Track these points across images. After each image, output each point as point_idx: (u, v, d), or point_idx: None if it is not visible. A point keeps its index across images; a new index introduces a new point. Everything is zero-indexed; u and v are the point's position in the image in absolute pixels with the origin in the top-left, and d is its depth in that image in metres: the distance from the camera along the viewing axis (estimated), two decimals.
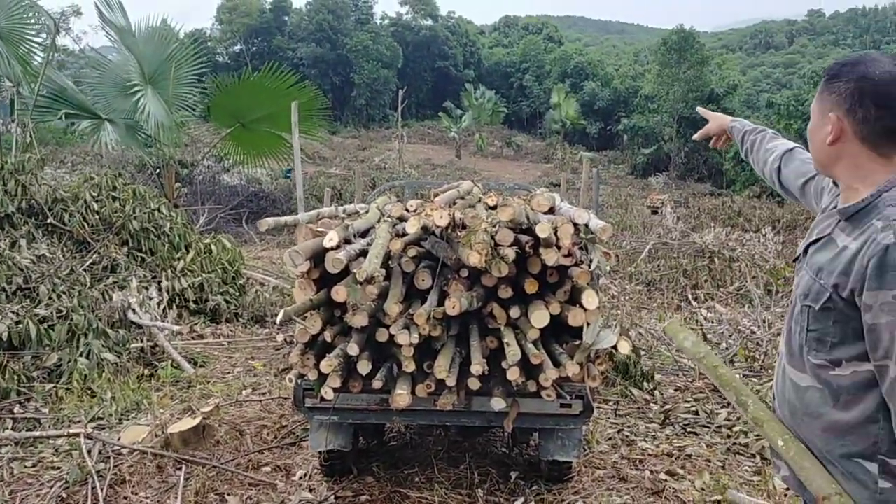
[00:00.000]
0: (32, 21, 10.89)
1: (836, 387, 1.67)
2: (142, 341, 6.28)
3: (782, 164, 2.20)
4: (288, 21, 62.67)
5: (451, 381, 3.37)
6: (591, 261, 3.53)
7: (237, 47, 61.39)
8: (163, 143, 12.35)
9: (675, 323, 2.16)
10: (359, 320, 3.33)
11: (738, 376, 1.99)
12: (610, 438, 4.80)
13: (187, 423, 4.51)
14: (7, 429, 4.75)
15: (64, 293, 6.31)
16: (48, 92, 11.16)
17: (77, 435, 4.36)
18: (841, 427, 1.66)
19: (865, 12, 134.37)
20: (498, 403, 3.47)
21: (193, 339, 7.08)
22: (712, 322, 7.97)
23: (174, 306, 7.41)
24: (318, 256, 3.43)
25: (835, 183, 1.82)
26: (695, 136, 2.65)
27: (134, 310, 6.46)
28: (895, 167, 1.64)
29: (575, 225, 3.49)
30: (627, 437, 4.86)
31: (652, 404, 5.49)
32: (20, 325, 5.60)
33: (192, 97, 13.20)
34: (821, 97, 1.73)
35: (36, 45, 10.96)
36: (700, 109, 2.76)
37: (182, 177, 15.52)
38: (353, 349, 3.39)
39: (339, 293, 3.29)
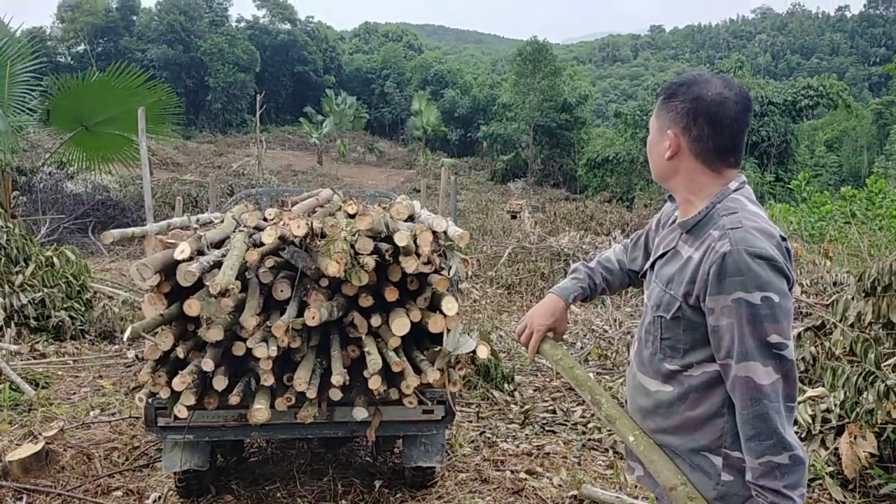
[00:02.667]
0: None
1: (686, 387, 1.78)
2: None
3: (625, 258, 2.23)
4: (137, 21, 59.68)
5: (311, 394, 3.32)
6: (450, 267, 3.59)
7: (81, 47, 57.74)
8: None
9: None
10: (214, 334, 3.22)
11: (591, 375, 2.09)
12: (472, 441, 4.89)
13: (28, 449, 4.19)
14: None
15: None
16: None
17: None
18: (691, 423, 1.78)
19: (701, 29, 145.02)
20: (360, 413, 3.46)
21: (35, 358, 6.58)
22: (568, 322, 8.29)
23: (12, 324, 6.86)
24: (169, 269, 3.28)
25: (671, 198, 1.94)
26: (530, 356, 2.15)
27: None
28: (726, 180, 1.78)
29: (434, 232, 3.54)
30: (489, 438, 4.96)
31: (512, 405, 5.64)
32: None
33: (31, 99, 12.26)
34: (659, 114, 1.83)
35: None
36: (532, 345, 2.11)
37: (20, 185, 14.40)
38: (207, 364, 3.26)
39: (192, 307, 3.17)
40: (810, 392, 4.46)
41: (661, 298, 1.81)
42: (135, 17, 59.99)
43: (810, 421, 4.29)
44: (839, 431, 4.16)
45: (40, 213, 14.87)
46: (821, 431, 4.24)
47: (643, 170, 26.04)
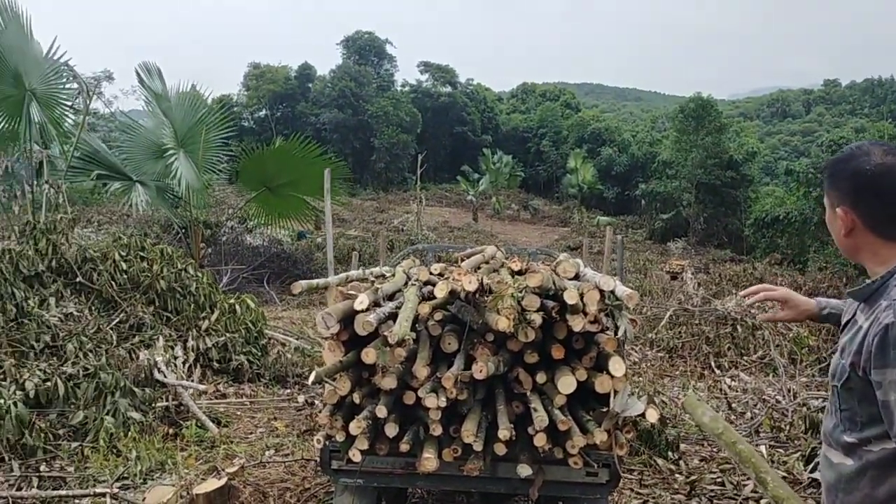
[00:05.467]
0: (66, 86, 11.24)
1: (866, 462, 1.70)
2: (167, 400, 6.30)
3: None
4: (312, 88, 64.16)
5: (478, 446, 3.37)
6: (617, 328, 3.56)
7: (262, 112, 62.83)
8: (192, 204, 12.64)
9: (693, 398, 2.19)
10: (388, 382, 3.37)
11: (757, 451, 1.98)
12: None
13: (212, 483, 4.49)
14: (33, 487, 4.75)
15: (91, 351, 6.38)
16: (82, 154, 11.53)
17: (103, 495, 4.38)
18: (871, 503, 1.68)
19: (882, 82, 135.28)
20: (524, 470, 3.46)
21: (217, 398, 7.09)
22: (737, 391, 7.88)
23: (198, 365, 7.44)
24: (348, 318, 3.49)
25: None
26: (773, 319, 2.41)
27: (160, 368, 6.51)
28: None
29: (601, 291, 3.53)
30: None
31: (677, 474, 5.40)
32: (48, 383, 5.64)
33: (220, 161, 13.57)
34: (827, 192, 1.83)
35: (68, 109, 11.29)
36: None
37: (206, 237, 15.76)
38: (381, 411, 3.41)
39: (369, 355, 3.33)
40: None
41: (837, 367, 1.77)
42: (310, 85, 64.52)
43: None
44: None
45: (222, 263, 16.13)
46: None
47: (817, 231, 24.38)
